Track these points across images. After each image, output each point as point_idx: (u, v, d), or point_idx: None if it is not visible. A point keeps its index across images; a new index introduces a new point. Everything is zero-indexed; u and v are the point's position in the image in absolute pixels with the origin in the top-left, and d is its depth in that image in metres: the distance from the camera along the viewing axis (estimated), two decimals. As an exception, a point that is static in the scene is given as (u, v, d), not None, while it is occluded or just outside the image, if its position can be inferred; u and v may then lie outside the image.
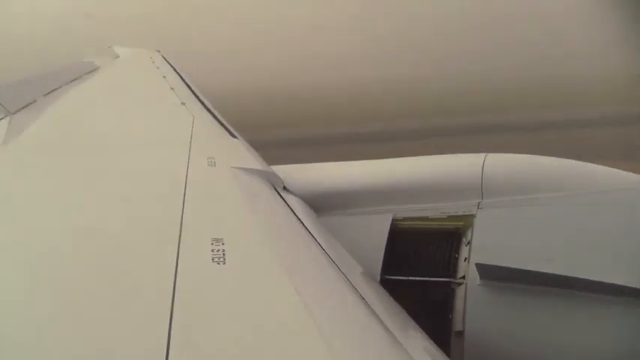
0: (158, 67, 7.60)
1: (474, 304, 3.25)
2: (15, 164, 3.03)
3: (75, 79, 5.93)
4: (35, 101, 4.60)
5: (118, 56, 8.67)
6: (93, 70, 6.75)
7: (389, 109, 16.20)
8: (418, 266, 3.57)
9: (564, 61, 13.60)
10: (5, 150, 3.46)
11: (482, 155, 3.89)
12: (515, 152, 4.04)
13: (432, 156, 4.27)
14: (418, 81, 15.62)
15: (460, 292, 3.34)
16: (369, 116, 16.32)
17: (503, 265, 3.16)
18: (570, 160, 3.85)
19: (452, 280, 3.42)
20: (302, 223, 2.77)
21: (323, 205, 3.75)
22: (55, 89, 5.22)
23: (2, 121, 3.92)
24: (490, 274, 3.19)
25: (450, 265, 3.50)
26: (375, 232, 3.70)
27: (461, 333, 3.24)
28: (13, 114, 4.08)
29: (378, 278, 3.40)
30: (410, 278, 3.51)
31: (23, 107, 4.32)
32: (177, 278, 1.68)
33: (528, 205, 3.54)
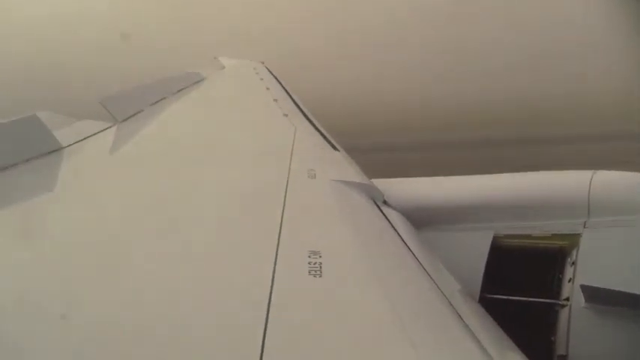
0: (262, 79, 7.75)
1: (578, 328, 3.13)
2: (120, 173, 3.17)
3: (181, 90, 6.15)
4: (142, 110, 4.81)
5: (223, 67, 8.92)
6: (199, 80, 6.97)
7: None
8: (519, 285, 3.47)
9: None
10: (112, 158, 3.64)
11: (590, 172, 3.74)
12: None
13: (536, 172, 4.15)
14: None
15: (564, 314, 3.23)
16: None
17: (610, 287, 3.04)
18: None
19: (555, 301, 3.31)
20: (401, 237, 2.76)
21: (424, 219, 3.71)
22: (162, 99, 5.43)
23: (110, 129, 4.12)
24: (596, 296, 3.07)
25: (553, 286, 3.39)
26: (476, 248, 3.63)
27: (564, 357, 3.13)
28: (120, 122, 4.28)
29: (478, 296, 3.33)
30: (511, 298, 3.42)
31: (130, 116, 4.52)
32: (273, 289, 1.72)
33: (638, 225, 3.38)
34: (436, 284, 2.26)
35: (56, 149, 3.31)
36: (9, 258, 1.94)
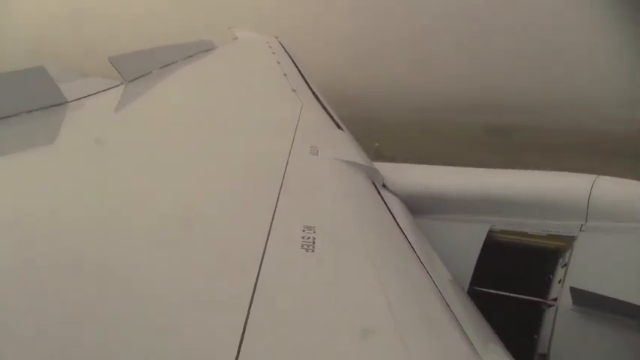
0: (274, 53, 7.73)
1: (562, 329, 3.14)
2: (122, 132, 3.17)
3: (191, 56, 6.13)
4: (151, 72, 4.80)
5: (236, 38, 8.89)
6: (210, 49, 6.95)
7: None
8: (508, 281, 3.48)
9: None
10: (115, 116, 3.63)
11: (592, 177, 3.73)
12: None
13: (539, 171, 4.14)
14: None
15: (549, 314, 3.24)
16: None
17: (599, 292, 3.04)
18: None
19: (543, 300, 3.32)
20: (396, 221, 2.77)
21: (421, 206, 3.71)
22: (171, 63, 5.42)
23: (117, 88, 4.12)
24: (584, 300, 3.08)
25: (542, 285, 3.40)
26: (470, 240, 3.63)
27: (544, 356, 3.14)
28: (128, 82, 4.28)
29: (467, 287, 3.35)
30: (500, 293, 3.43)
31: (139, 77, 4.52)
32: (263, 259, 1.73)
33: (633, 233, 3.38)
34: (427, 272, 2.27)
35: (61, 103, 3.31)
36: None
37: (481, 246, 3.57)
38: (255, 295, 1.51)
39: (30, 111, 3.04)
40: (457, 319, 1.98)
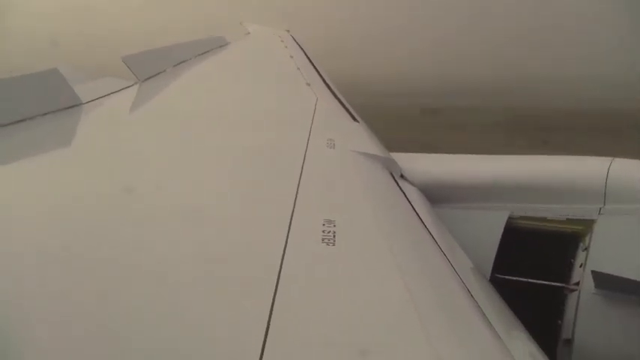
0: (287, 47, 7.72)
1: (586, 313, 3.13)
2: (138, 131, 3.19)
3: (205, 52, 6.14)
4: (165, 71, 4.82)
5: (248, 33, 8.89)
6: (223, 45, 6.96)
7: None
8: (530, 267, 3.47)
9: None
10: (131, 116, 3.65)
11: (608, 159, 3.70)
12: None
13: (555, 156, 4.12)
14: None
15: (572, 298, 3.23)
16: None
17: (621, 275, 3.02)
18: None
19: (565, 285, 3.31)
20: (416, 212, 2.76)
21: (440, 195, 3.70)
22: (185, 61, 5.43)
23: (132, 87, 4.14)
24: (606, 283, 3.06)
25: (563, 270, 3.39)
26: (490, 228, 3.62)
27: (569, 341, 3.13)
28: (142, 81, 4.30)
29: (489, 275, 3.34)
30: (522, 279, 3.42)
31: (153, 76, 4.54)
32: (285, 254, 1.74)
33: None
34: (449, 260, 2.27)
35: (76, 104, 3.33)
36: (23, 210, 1.97)
37: (501, 233, 3.56)
38: (277, 290, 1.52)
39: (45, 113, 3.07)
40: (480, 308, 1.98)
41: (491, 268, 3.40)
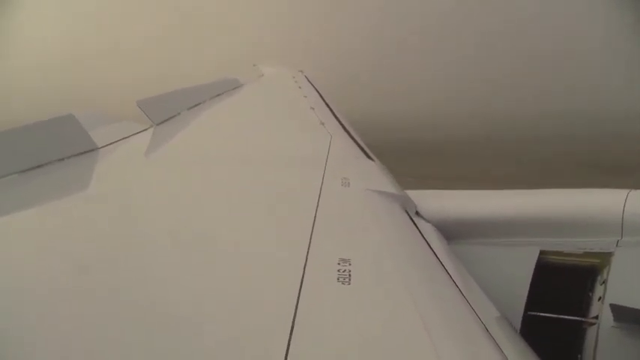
0: (300, 87, 7.82)
1: (605, 347, 3.10)
2: (154, 175, 3.25)
3: (218, 95, 6.23)
4: (179, 114, 4.89)
5: (262, 74, 9.01)
6: (237, 87, 7.06)
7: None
8: (547, 301, 3.44)
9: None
10: (146, 160, 3.71)
11: (624, 191, 3.69)
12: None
13: (571, 189, 4.11)
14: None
15: (591, 332, 3.20)
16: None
17: None
18: None
19: (584, 319, 3.28)
20: (432, 249, 2.76)
21: (457, 232, 3.69)
22: (199, 104, 5.51)
23: (147, 131, 4.20)
24: (625, 316, 3.03)
25: (582, 304, 3.36)
26: (518, 265, 3.58)
27: None
28: (157, 125, 4.36)
29: (521, 314, 3.30)
30: (539, 314, 3.39)
31: (167, 119, 4.60)
32: (300, 294, 1.74)
33: None
34: (468, 302, 2.23)
35: (91, 149, 3.39)
36: (39, 257, 1.99)
37: (532, 270, 3.52)
38: (293, 330, 1.53)
39: (61, 159, 3.13)
40: (497, 344, 1.96)
41: (523, 306, 3.36)
